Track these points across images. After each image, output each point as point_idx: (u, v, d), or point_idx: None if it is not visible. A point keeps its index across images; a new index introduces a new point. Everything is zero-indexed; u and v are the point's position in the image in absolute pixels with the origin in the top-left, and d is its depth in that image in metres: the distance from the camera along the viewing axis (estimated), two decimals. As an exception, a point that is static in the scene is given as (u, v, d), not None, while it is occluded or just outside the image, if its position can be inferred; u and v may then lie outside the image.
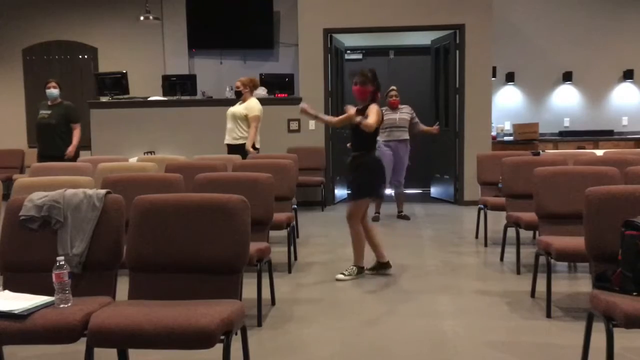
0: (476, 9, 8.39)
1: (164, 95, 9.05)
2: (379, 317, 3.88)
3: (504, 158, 5.39)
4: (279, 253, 5.27)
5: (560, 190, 4.16)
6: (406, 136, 7.37)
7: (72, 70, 10.33)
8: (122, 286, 2.91)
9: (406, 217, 7.42)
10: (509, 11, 9.50)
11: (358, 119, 4.63)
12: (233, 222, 2.83)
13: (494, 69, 8.93)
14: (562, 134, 9.50)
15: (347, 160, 4.94)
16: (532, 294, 4.19)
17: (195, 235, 2.83)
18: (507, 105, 9.74)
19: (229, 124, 6.96)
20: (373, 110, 4.68)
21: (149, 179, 4.49)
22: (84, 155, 8.01)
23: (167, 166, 5.31)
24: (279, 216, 4.80)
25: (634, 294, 2.64)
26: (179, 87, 8.96)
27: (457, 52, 8.56)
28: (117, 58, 10.06)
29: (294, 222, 5.81)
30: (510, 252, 5.21)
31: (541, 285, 3.97)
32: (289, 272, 5.03)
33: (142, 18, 9.36)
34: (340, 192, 9.20)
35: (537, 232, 4.73)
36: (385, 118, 7.25)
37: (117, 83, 8.87)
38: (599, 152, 6.49)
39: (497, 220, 6.35)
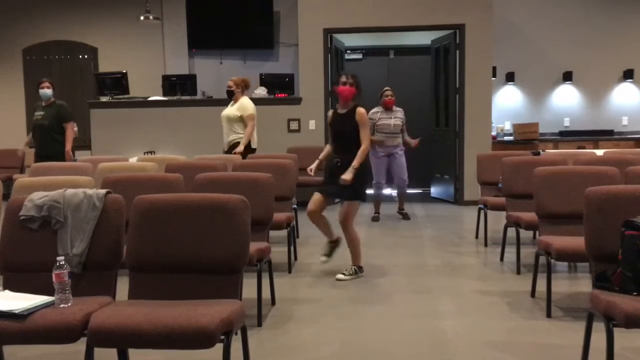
0: (476, 9, 8.39)
1: (164, 95, 9.05)
2: (379, 317, 3.88)
3: (504, 158, 5.39)
4: (279, 253, 5.27)
5: (560, 190, 4.16)
6: (400, 141, 7.38)
7: (72, 70, 10.34)
8: (122, 286, 2.91)
9: (406, 216, 7.42)
10: (509, 11, 9.50)
11: (375, 138, 4.71)
12: (233, 222, 2.83)
13: (494, 69, 8.92)
14: (562, 133, 9.50)
15: (333, 164, 4.81)
16: (532, 294, 4.19)
17: (195, 235, 2.83)
18: (507, 105, 9.74)
19: (224, 128, 6.94)
20: (365, 121, 4.78)
21: (149, 179, 4.49)
22: (84, 155, 8.04)
23: (167, 166, 5.31)
24: (279, 216, 4.80)
25: (634, 294, 2.64)
26: (179, 87, 8.97)
27: (457, 52, 8.56)
28: (117, 58, 10.06)
29: (294, 222, 5.81)
30: (510, 252, 5.22)
31: (541, 285, 3.97)
32: (289, 272, 5.03)
33: (142, 18, 9.36)
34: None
35: (537, 232, 4.74)
36: (379, 122, 7.27)
37: (117, 83, 8.87)
38: (599, 152, 6.49)
39: (497, 220, 6.36)
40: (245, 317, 2.70)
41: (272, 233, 4.67)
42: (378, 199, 7.55)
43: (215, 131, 7.60)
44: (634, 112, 9.65)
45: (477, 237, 6.21)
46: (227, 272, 2.81)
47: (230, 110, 6.90)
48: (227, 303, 2.61)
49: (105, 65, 10.12)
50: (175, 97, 8.93)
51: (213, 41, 9.81)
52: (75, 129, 7.17)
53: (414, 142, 7.49)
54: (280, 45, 9.80)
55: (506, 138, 9.27)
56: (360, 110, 4.79)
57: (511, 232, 5.01)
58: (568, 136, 9.37)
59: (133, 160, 6.50)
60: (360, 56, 10.34)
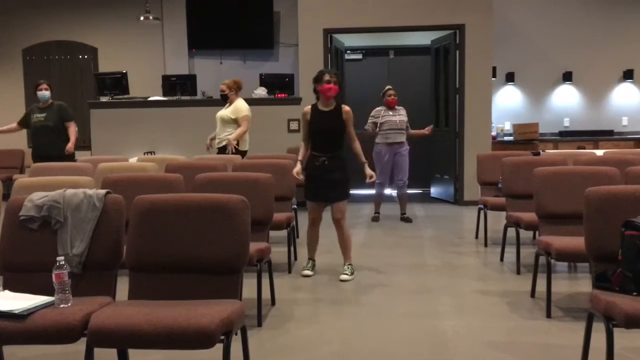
0: (476, 9, 8.39)
1: (164, 95, 9.05)
2: (378, 317, 3.88)
3: (504, 158, 5.39)
4: (279, 253, 5.27)
5: (560, 190, 4.16)
6: (404, 138, 7.36)
7: (72, 70, 10.34)
8: (122, 286, 2.91)
9: (409, 220, 7.39)
10: (509, 11, 9.50)
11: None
12: (233, 222, 2.83)
13: (494, 69, 8.92)
14: (562, 134, 9.50)
15: (319, 163, 4.79)
16: (532, 294, 4.19)
17: (195, 235, 2.83)
18: (507, 105, 9.74)
19: (219, 130, 6.98)
20: (352, 118, 4.90)
21: (149, 179, 4.49)
22: (84, 155, 8.03)
23: (167, 166, 5.31)
24: (279, 216, 4.80)
25: (634, 294, 2.64)
26: (179, 87, 8.96)
27: (457, 52, 8.56)
28: (117, 58, 10.06)
29: (294, 222, 5.82)
30: (510, 252, 5.22)
31: (541, 285, 3.97)
32: (289, 272, 5.03)
33: (142, 18, 9.36)
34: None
35: (537, 232, 4.74)
36: (383, 120, 7.26)
37: (117, 83, 8.87)
38: (599, 152, 6.49)
39: (497, 220, 6.36)
40: (245, 317, 2.70)
41: (272, 233, 4.67)
42: (379, 199, 7.53)
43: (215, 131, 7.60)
44: (634, 112, 9.66)
45: (477, 237, 6.21)
46: (227, 272, 2.81)
47: (225, 112, 6.95)
48: (227, 303, 2.61)
49: (105, 65, 10.12)
50: (175, 97, 8.92)
51: (213, 41, 9.81)
52: (75, 129, 7.18)
53: (427, 129, 7.45)
54: (280, 45, 9.80)
55: (506, 138, 9.27)
56: (346, 107, 4.89)
57: (511, 232, 5.01)
58: (568, 136, 9.38)
59: (133, 160, 6.50)
60: (360, 56, 10.34)
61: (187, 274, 2.83)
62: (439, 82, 9.24)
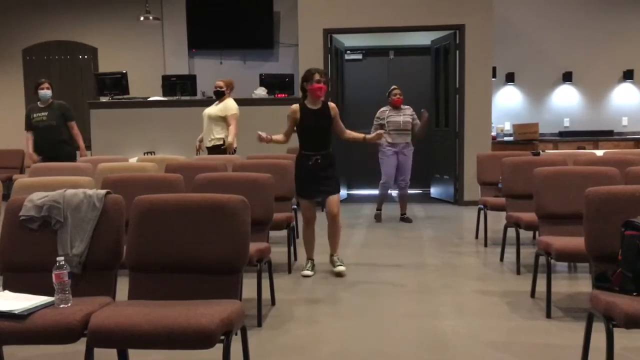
0: (476, 9, 8.39)
1: (164, 95, 9.05)
2: (378, 317, 3.88)
3: (504, 158, 5.39)
4: (279, 253, 5.27)
5: (560, 190, 4.16)
6: (409, 139, 7.34)
7: (72, 70, 10.34)
8: (122, 286, 2.91)
9: (409, 220, 7.38)
10: (509, 11, 9.50)
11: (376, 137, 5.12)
12: (233, 222, 2.83)
13: (494, 69, 8.92)
14: (562, 134, 9.50)
15: (312, 162, 4.86)
16: (532, 294, 4.19)
17: (195, 235, 2.83)
18: (507, 105, 9.74)
19: (205, 128, 7.00)
20: (338, 113, 5.02)
21: (149, 179, 4.49)
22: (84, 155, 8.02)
23: (167, 166, 5.31)
24: (279, 216, 4.80)
25: (634, 294, 2.64)
26: (179, 87, 8.96)
27: (457, 52, 8.56)
28: (117, 58, 10.07)
29: (294, 222, 5.81)
30: (510, 252, 5.22)
31: (541, 286, 3.97)
32: (289, 272, 5.03)
33: (142, 18, 9.36)
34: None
35: (537, 232, 4.74)
36: (389, 120, 7.25)
37: (117, 83, 8.87)
38: (599, 152, 6.49)
39: (497, 220, 6.36)
40: (245, 317, 2.70)
41: (272, 233, 4.68)
42: (383, 199, 7.52)
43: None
44: (634, 113, 9.66)
45: (477, 237, 6.21)
46: (227, 272, 2.81)
47: (214, 110, 6.98)
48: (227, 303, 2.61)
49: (105, 65, 10.12)
50: (175, 97, 8.92)
51: (213, 41, 9.81)
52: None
53: (423, 112, 7.33)
54: (280, 45, 9.80)
55: (506, 138, 9.27)
56: (332, 104, 5.07)
57: (511, 232, 5.01)
58: (568, 136, 9.38)
59: (133, 160, 6.50)
60: (360, 56, 10.34)
61: (187, 274, 2.82)
62: (439, 82, 9.24)
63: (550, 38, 9.58)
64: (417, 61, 10.08)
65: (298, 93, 8.79)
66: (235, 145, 6.99)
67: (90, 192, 2.97)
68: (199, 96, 9.25)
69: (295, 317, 3.92)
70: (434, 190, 9.54)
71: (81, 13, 10.20)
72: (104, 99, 8.99)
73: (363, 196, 9.56)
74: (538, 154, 6.49)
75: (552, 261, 3.79)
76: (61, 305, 2.52)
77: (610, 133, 9.51)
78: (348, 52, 10.00)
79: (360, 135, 5.15)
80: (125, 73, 8.93)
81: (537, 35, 9.58)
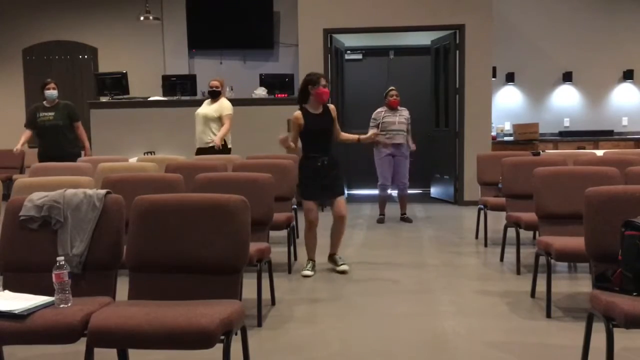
0: (476, 9, 8.39)
1: (164, 95, 9.05)
2: (379, 317, 3.88)
3: (504, 158, 5.39)
4: (279, 253, 5.27)
5: (560, 190, 4.16)
6: (404, 140, 7.32)
7: (72, 70, 10.34)
8: (122, 286, 2.91)
9: (409, 220, 7.38)
10: (509, 11, 9.50)
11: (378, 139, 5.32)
12: (233, 222, 2.83)
13: (494, 69, 8.92)
14: (562, 134, 9.50)
15: (318, 164, 4.91)
16: (532, 294, 4.19)
17: (195, 235, 2.83)
18: (507, 105, 9.74)
19: (198, 127, 6.97)
20: (336, 114, 5.11)
21: (149, 179, 4.49)
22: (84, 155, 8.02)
23: (167, 166, 5.31)
24: (279, 216, 4.80)
25: (634, 294, 2.64)
26: (179, 87, 8.96)
27: (457, 52, 8.56)
28: (117, 58, 10.06)
29: (294, 222, 5.81)
30: (510, 252, 5.22)
31: (541, 286, 3.97)
32: (289, 272, 5.03)
33: (142, 18, 9.36)
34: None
35: (537, 232, 4.74)
36: (384, 120, 7.25)
37: (117, 83, 8.87)
38: (599, 152, 6.50)
39: (497, 220, 6.36)
40: (245, 317, 2.70)
41: (272, 233, 4.68)
42: (384, 201, 7.52)
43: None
44: (634, 113, 9.66)
45: (477, 237, 6.21)
46: (227, 272, 2.81)
47: (208, 109, 6.98)
48: (227, 303, 2.61)
49: (105, 65, 10.12)
50: (175, 97, 8.92)
51: (213, 41, 9.81)
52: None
53: (412, 146, 7.41)
54: (280, 45, 9.80)
55: (506, 138, 9.27)
56: (332, 106, 5.14)
57: (511, 232, 5.01)
58: (568, 136, 9.38)
59: (133, 160, 6.49)
60: (360, 56, 10.34)
61: (187, 274, 2.82)
62: (439, 82, 9.24)
63: (550, 38, 9.58)
64: (417, 61, 10.08)
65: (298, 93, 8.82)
66: (230, 145, 6.99)
67: (90, 192, 2.97)
68: (199, 96, 9.24)
69: (295, 317, 3.92)
70: (434, 190, 9.54)
71: (81, 13, 10.20)
72: (104, 99, 8.99)
73: (363, 196, 9.56)
74: (538, 154, 6.49)
75: (552, 261, 3.79)
76: (61, 305, 2.52)
77: (610, 133, 9.51)
78: (348, 52, 10.00)
79: (355, 137, 5.21)
80: (125, 73, 8.93)
81: (537, 35, 9.58)
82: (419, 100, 9.55)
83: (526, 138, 8.95)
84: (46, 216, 2.91)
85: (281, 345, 3.43)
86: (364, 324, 3.75)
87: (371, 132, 5.31)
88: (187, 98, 8.94)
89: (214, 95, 7.03)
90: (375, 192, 7.71)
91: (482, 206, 5.95)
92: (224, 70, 9.77)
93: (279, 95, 8.86)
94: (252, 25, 9.68)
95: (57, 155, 6.69)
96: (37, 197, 2.96)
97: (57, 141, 6.89)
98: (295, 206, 5.86)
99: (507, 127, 9.51)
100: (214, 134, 6.91)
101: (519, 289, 4.40)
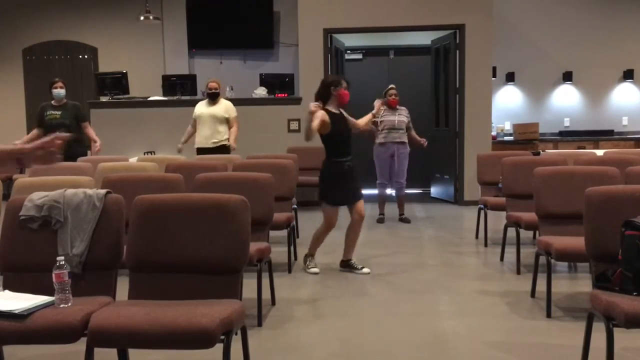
0: (476, 9, 8.39)
1: (164, 95, 9.05)
2: (379, 317, 3.88)
3: (504, 158, 5.39)
4: (279, 253, 5.27)
5: (560, 190, 4.16)
6: (404, 138, 7.31)
7: (72, 70, 10.33)
8: (122, 286, 2.91)
9: (407, 220, 7.38)
10: (509, 11, 9.50)
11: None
12: (233, 222, 2.83)
13: (494, 69, 8.92)
14: (562, 134, 9.50)
15: (344, 168, 4.88)
16: (532, 294, 4.19)
17: (195, 235, 2.83)
18: (507, 105, 9.74)
19: (207, 128, 7.00)
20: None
21: (149, 179, 4.49)
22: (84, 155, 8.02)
23: (167, 166, 5.31)
24: (279, 216, 4.80)
25: (634, 294, 2.64)
26: (179, 87, 8.96)
27: (457, 52, 8.56)
28: (117, 58, 10.06)
29: (294, 222, 5.81)
30: (510, 252, 5.22)
31: (541, 285, 3.97)
32: (289, 272, 5.03)
33: (142, 18, 9.35)
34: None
35: (537, 232, 4.74)
36: (383, 119, 7.24)
37: (117, 83, 8.87)
38: (599, 152, 6.49)
39: (497, 220, 6.35)
40: (245, 317, 2.70)
41: (272, 233, 4.68)
42: (383, 200, 7.52)
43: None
44: (634, 112, 9.65)
45: (477, 237, 6.21)
46: (227, 272, 2.81)
47: (216, 110, 7.02)
48: (227, 303, 2.61)
49: (105, 65, 10.11)
50: (175, 97, 8.92)
51: (213, 41, 9.80)
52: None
53: (423, 140, 7.41)
54: (280, 45, 9.80)
55: (506, 138, 9.27)
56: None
57: (511, 232, 5.01)
58: (568, 136, 9.38)
59: (133, 160, 6.49)
60: (360, 56, 10.34)
61: (187, 274, 2.82)
62: (439, 82, 9.24)
63: (551, 38, 9.57)
64: (417, 61, 10.08)
65: (298, 93, 8.84)
66: (234, 145, 7.06)
67: (90, 192, 2.97)
68: (199, 96, 9.23)
69: (295, 317, 3.92)
70: (434, 190, 9.53)
71: (81, 13, 10.19)
72: (104, 99, 8.99)
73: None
74: (538, 153, 6.49)
75: (552, 261, 3.79)
76: (61, 305, 2.52)
77: (610, 133, 9.51)
78: (348, 51, 10.00)
79: (369, 115, 5.40)
80: (125, 73, 8.93)
81: (537, 35, 9.57)
82: (419, 100, 9.54)
83: (526, 138, 8.95)
84: (46, 216, 2.91)
85: (281, 345, 3.43)
86: (364, 324, 3.75)
87: (377, 103, 5.43)
88: (187, 98, 8.93)
89: (214, 97, 7.05)
90: (375, 191, 7.71)
91: (482, 206, 5.95)
92: (224, 70, 9.76)
93: (279, 95, 8.86)
94: (252, 25, 9.68)
95: (68, 155, 6.68)
96: (37, 197, 2.96)
97: (67, 141, 6.88)
98: (295, 206, 5.86)
99: (507, 127, 9.51)
100: (222, 134, 6.97)
101: (519, 288, 4.40)
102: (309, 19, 8.58)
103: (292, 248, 5.19)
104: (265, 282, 3.93)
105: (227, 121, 7.00)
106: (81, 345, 2.45)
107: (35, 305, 2.50)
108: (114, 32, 10.16)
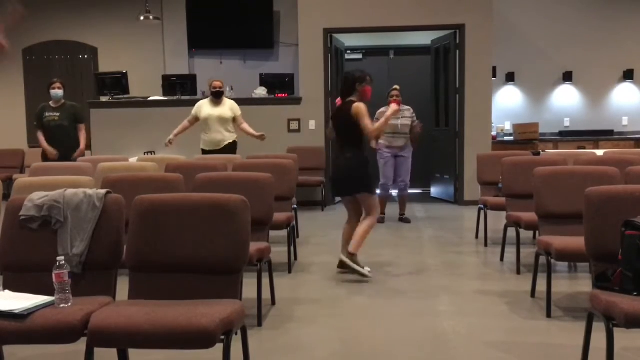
0: (476, 9, 8.39)
1: (164, 95, 9.05)
2: (379, 316, 3.88)
3: (504, 158, 5.39)
4: (279, 253, 5.26)
5: (560, 190, 4.16)
6: (407, 141, 7.32)
7: (72, 70, 10.33)
8: (122, 286, 2.91)
9: (407, 220, 7.38)
10: (509, 11, 9.50)
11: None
12: (233, 222, 2.83)
13: (494, 69, 8.92)
14: (562, 134, 9.50)
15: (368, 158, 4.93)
16: (532, 294, 4.19)
17: (195, 235, 2.83)
18: (507, 105, 9.74)
19: (217, 132, 7.01)
20: None
21: (149, 179, 4.49)
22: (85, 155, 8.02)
23: (167, 166, 5.31)
24: (279, 216, 4.80)
25: (634, 294, 2.64)
26: (179, 87, 8.96)
27: (457, 52, 8.56)
28: (117, 58, 10.06)
29: (294, 222, 5.81)
30: (510, 252, 5.22)
31: (541, 285, 3.97)
32: (289, 272, 5.02)
33: (142, 18, 9.35)
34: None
35: (537, 232, 4.74)
36: None
37: (117, 83, 8.87)
38: (599, 152, 6.49)
39: (497, 220, 6.35)
40: (245, 317, 2.70)
41: (272, 233, 4.67)
42: (384, 201, 7.50)
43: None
44: (634, 112, 9.66)
45: (477, 237, 6.21)
46: (227, 272, 2.81)
47: (223, 111, 7.02)
48: (227, 303, 2.61)
49: (105, 65, 10.11)
50: (175, 97, 8.92)
51: (213, 41, 9.80)
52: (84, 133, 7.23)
53: (415, 128, 7.34)
54: (280, 45, 9.80)
55: (506, 138, 9.28)
56: None
57: (511, 232, 5.01)
58: (568, 136, 9.38)
59: (133, 160, 6.50)
60: (360, 56, 10.34)
61: (187, 274, 2.82)
62: (439, 82, 9.24)
63: (551, 38, 9.58)
64: (417, 61, 10.08)
65: (298, 93, 8.84)
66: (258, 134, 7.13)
67: (90, 191, 2.97)
68: (199, 96, 9.23)
69: (295, 317, 3.92)
70: (434, 190, 9.54)
71: (81, 13, 10.19)
72: (104, 99, 8.99)
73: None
74: (538, 153, 6.49)
75: (552, 261, 3.79)
76: (61, 305, 2.52)
77: (610, 133, 9.51)
78: (348, 51, 10.00)
79: (383, 120, 5.25)
80: (126, 73, 8.93)
81: (537, 35, 9.58)
82: (419, 100, 9.52)
83: (526, 138, 8.95)
84: (46, 216, 2.91)
85: (281, 345, 3.43)
86: (364, 324, 3.75)
87: (391, 110, 5.19)
88: (187, 98, 8.93)
89: (219, 96, 7.05)
90: (377, 191, 7.70)
91: (482, 206, 5.95)
92: (224, 70, 9.77)
93: (279, 95, 8.87)
94: (252, 25, 9.68)
95: (62, 156, 6.68)
96: (37, 197, 2.96)
97: (61, 141, 6.88)
98: (296, 206, 5.86)
99: (507, 127, 9.51)
100: (230, 135, 7.04)
101: (519, 288, 4.40)
102: (309, 18, 8.58)
103: (292, 248, 5.19)
104: (265, 282, 3.93)
105: (234, 121, 7.03)
106: (81, 345, 2.45)
107: (35, 305, 2.50)
108: (114, 32, 10.16)
